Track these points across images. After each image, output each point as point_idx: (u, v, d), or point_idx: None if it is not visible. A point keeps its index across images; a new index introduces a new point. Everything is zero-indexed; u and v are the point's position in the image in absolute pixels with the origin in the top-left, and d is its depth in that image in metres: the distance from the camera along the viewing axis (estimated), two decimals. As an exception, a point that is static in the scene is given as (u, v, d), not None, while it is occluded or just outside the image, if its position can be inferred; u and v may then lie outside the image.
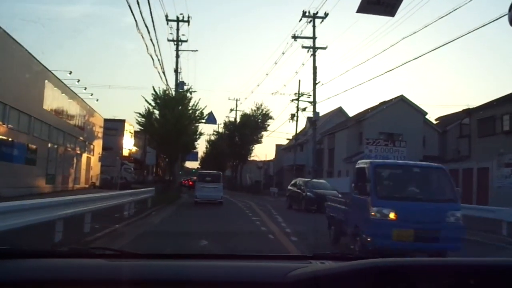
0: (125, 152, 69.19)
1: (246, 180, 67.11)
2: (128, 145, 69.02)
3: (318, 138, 45.78)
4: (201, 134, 45.96)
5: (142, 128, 25.91)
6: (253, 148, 59.65)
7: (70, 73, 27.52)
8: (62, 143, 27.18)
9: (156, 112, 25.63)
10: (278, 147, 66.86)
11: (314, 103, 31.63)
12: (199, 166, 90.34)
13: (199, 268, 1.62)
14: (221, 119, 63.21)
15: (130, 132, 66.05)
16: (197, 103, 26.56)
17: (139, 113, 25.27)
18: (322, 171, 41.76)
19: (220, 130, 65.14)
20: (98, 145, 37.36)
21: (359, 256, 2.03)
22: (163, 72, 23.04)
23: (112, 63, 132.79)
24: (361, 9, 8.76)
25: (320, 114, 59.23)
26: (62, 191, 25.28)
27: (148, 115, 25.32)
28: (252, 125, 56.30)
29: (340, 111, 49.65)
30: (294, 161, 46.54)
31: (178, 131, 25.17)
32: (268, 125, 56.97)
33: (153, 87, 25.23)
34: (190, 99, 26.58)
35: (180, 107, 24.94)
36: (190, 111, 26.20)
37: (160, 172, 62.72)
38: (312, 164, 33.08)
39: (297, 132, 47.61)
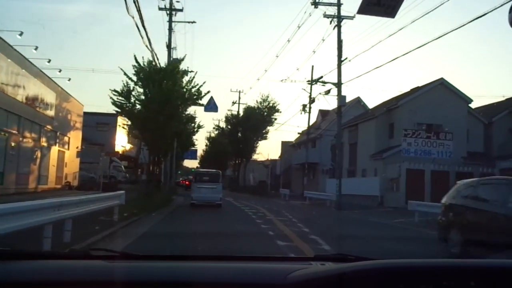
0: (118, 149, 63.01)
1: (250, 180, 60.49)
2: (122, 141, 63.04)
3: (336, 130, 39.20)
4: (199, 126, 39.48)
5: (119, 111, 19.06)
6: (258, 145, 53.11)
7: (21, 34, 20.81)
8: (18, 131, 20.55)
9: (140, 90, 19.00)
10: (285, 144, 60.22)
11: (339, 84, 25.01)
12: (198, 165, 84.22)
13: (199, 270, 1.59)
14: (222, 113, 56.48)
15: (124, 127, 59.35)
16: (193, 77, 19.92)
17: (115, 91, 18.64)
18: (341, 169, 35.10)
19: (222, 125, 58.39)
20: (75, 137, 30.73)
21: (360, 258, 1.73)
22: (143, 25, 16.35)
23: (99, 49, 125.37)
24: (361, 11, 9.37)
25: (334, 106, 52.68)
26: (15, 194, 18.68)
27: (127, 93, 18.65)
28: (257, 119, 49.68)
29: (358, 102, 43.00)
30: (306, 158, 39.95)
31: (168, 114, 18.60)
32: (275, 119, 50.38)
33: (134, 56, 18.63)
34: (184, 72, 19.81)
35: (170, 82, 18.32)
36: (184, 89, 19.56)
37: (157, 171, 56.06)
38: (337, 160, 26.39)
39: (309, 125, 41.03)
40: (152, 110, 18.20)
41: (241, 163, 54.91)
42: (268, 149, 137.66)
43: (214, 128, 55.82)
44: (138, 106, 19.00)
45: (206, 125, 59.62)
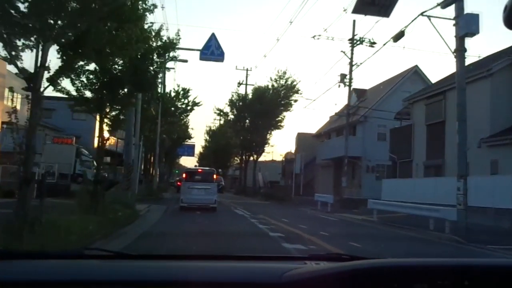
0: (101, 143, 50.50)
1: (258, 181, 47.67)
2: (104, 133, 50.21)
3: (402, 107, 26.35)
4: (195, 104, 26.84)
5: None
6: (271, 135, 40.23)
7: None
8: None
9: None
10: (301, 136, 47.54)
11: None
12: (197, 164, 72.24)
13: (194, 269, 1.53)
14: (226, 99, 43.36)
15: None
16: None
17: None
18: (411, 163, 22.32)
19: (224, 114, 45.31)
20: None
21: (354, 257, 1.72)
22: None
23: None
24: (356, 10, 9.27)
25: (377, 82, 39.89)
26: None
27: None
28: (271, 102, 36.97)
29: (415, 72, 30.20)
30: (345, 151, 27.09)
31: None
32: (296, 101, 37.58)
33: None
34: None
35: None
36: None
37: (151, 171, 43.07)
38: (459, 141, 13.00)
39: (349, 104, 28.28)
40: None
41: (249, 159, 42.05)
42: (277, 143, 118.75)
43: (215, 112, 42.68)
44: None
45: (206, 117, 46.54)
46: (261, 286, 1.37)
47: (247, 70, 41.40)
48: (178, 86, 25.46)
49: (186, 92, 25.27)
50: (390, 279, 1.28)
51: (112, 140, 47.83)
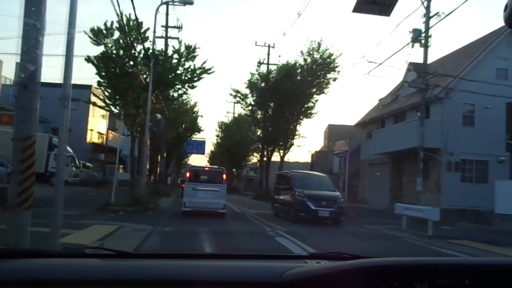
0: (95, 137, 42.87)
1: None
2: (99, 126, 42.75)
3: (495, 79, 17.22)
4: (204, 70, 18.07)
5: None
6: (300, 125, 31.20)
7: None
8: None
9: None
10: (333, 128, 38.72)
11: None
12: (208, 163, 63.79)
13: (195, 268, 1.48)
14: (243, 80, 34.04)
15: (101, 107, 37.96)
16: None
17: None
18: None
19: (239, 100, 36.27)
20: None
21: (355, 256, 1.66)
22: None
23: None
24: (357, 9, 8.03)
25: (449, 50, 30.76)
26: None
27: None
28: (303, 82, 28.15)
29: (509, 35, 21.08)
30: (421, 140, 18.18)
31: None
32: (334, 79, 28.60)
33: None
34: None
35: None
36: None
37: (155, 169, 34.58)
38: None
39: (427, 67, 19.39)
40: None
41: (271, 156, 33.07)
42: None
43: (231, 95, 33.46)
44: None
45: (217, 113, 38.14)
46: (262, 285, 1.34)
47: (269, 46, 32.71)
48: (180, 43, 16.78)
49: (191, 50, 16.62)
50: (391, 278, 1.25)
51: (113, 135, 39.27)
